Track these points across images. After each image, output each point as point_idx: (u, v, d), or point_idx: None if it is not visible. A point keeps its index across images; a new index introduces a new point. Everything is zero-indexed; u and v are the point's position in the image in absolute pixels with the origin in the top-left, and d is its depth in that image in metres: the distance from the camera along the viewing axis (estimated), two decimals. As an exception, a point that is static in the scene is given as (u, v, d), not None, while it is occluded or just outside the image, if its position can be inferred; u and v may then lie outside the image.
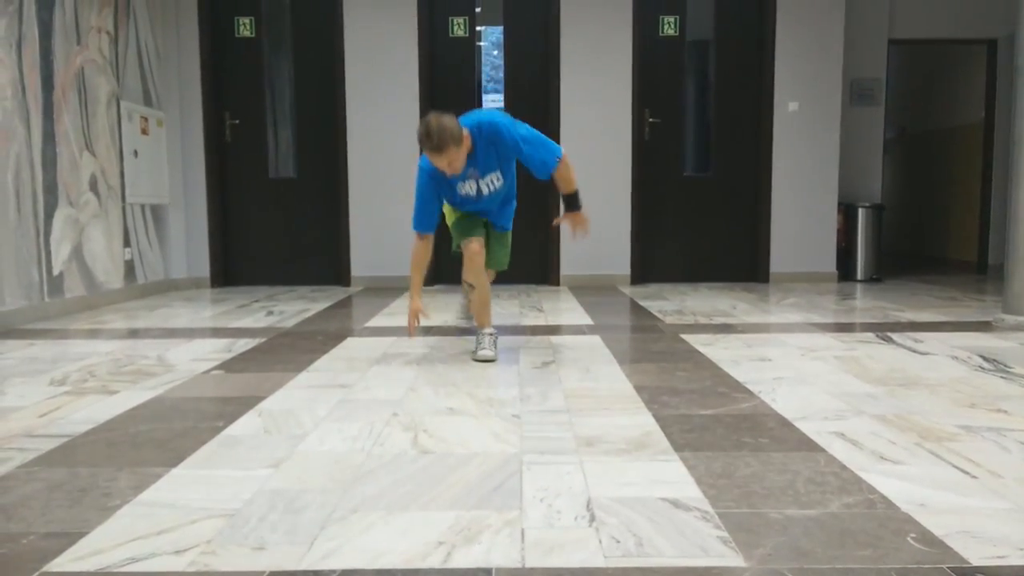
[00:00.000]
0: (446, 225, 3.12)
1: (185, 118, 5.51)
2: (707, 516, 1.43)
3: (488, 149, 2.78)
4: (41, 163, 3.99)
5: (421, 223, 2.88)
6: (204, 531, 1.39)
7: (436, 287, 5.56)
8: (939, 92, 7.57)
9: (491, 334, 2.99)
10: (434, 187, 2.82)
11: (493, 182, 2.87)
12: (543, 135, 2.87)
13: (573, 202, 2.91)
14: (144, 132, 5.11)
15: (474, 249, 2.95)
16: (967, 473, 1.65)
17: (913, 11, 6.02)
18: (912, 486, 1.57)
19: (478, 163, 2.79)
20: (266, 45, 5.65)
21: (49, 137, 4.06)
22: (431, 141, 2.58)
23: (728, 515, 1.43)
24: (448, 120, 2.60)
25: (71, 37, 4.28)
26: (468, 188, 2.86)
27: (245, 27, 5.58)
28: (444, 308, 4.42)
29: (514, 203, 3.14)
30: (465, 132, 2.66)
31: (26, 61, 3.88)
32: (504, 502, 1.50)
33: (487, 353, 2.90)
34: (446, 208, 3.06)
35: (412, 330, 2.98)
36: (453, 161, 2.64)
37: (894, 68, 7.07)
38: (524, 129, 2.82)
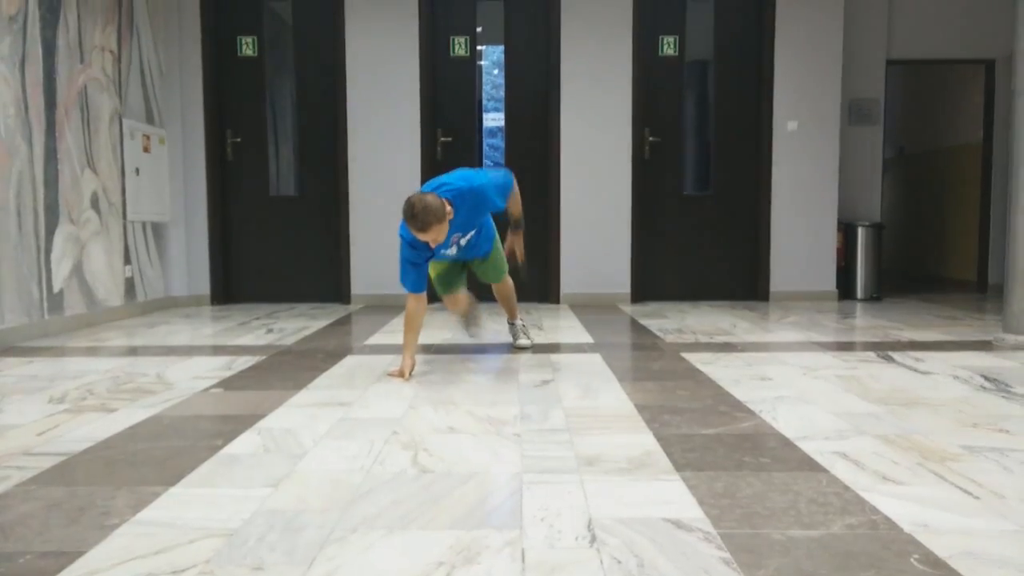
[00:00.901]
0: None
1: (187, 136, 5.53)
2: (709, 537, 1.42)
3: (470, 213, 2.95)
4: (43, 181, 4.01)
5: (412, 285, 2.98)
6: (202, 551, 1.38)
7: (435, 305, 5.54)
8: (937, 112, 7.61)
9: (522, 324, 3.56)
10: (418, 254, 2.93)
11: (472, 236, 3.09)
12: (496, 176, 3.05)
13: (518, 224, 3.28)
14: (146, 150, 5.13)
15: (456, 301, 3.35)
16: (970, 494, 1.64)
17: (911, 32, 6.06)
18: (915, 507, 1.56)
19: (459, 227, 2.96)
20: (268, 64, 5.68)
21: (51, 155, 4.08)
22: (416, 222, 2.71)
23: (730, 536, 1.42)
24: (431, 199, 2.72)
25: (75, 56, 4.31)
26: (451, 250, 3.05)
27: (247, 46, 5.62)
28: (443, 326, 4.42)
29: (490, 230, 3.27)
30: (448, 208, 2.77)
31: (29, 79, 3.90)
32: (504, 522, 1.50)
33: (524, 342, 3.50)
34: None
35: (395, 373, 3.00)
36: (438, 236, 2.78)
37: (892, 88, 7.11)
38: (488, 179, 2.99)
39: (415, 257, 2.94)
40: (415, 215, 2.70)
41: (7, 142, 3.72)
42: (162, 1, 5.33)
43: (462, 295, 3.38)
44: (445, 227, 2.77)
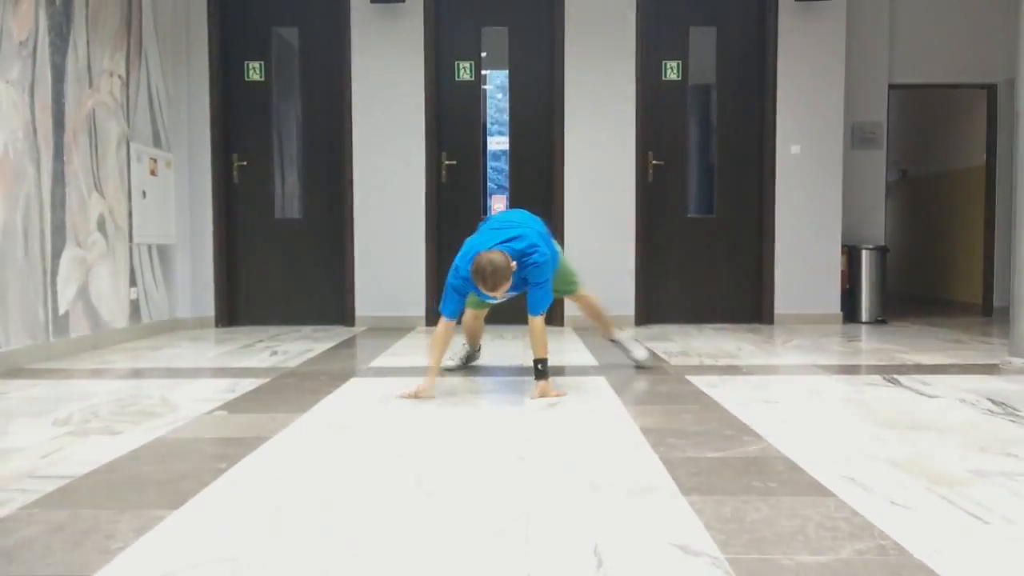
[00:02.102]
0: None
1: (194, 160, 5.57)
2: (717, 562, 1.40)
3: (521, 278, 3.00)
4: (50, 203, 4.03)
5: (451, 312, 3.05)
6: (206, 575, 1.37)
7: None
8: (940, 136, 7.63)
9: (626, 337, 3.66)
10: (465, 285, 2.99)
11: (510, 294, 3.09)
12: (550, 285, 3.07)
13: (540, 371, 3.02)
14: (153, 173, 5.16)
15: (478, 318, 3.41)
16: (979, 519, 1.62)
17: (913, 56, 6.10)
18: (925, 532, 1.55)
19: (512, 285, 3.01)
20: (275, 88, 5.73)
21: (59, 178, 4.10)
22: (487, 285, 2.84)
23: (738, 561, 1.41)
24: (498, 260, 2.83)
25: (83, 80, 4.35)
26: (498, 299, 3.10)
27: (254, 71, 5.67)
28: (450, 348, 4.40)
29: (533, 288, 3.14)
30: (512, 264, 2.88)
31: (38, 103, 3.94)
32: (509, 546, 1.48)
33: (640, 355, 3.59)
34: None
35: (409, 395, 2.99)
36: (501, 291, 2.90)
37: (895, 112, 7.14)
38: (545, 274, 3.03)
39: (462, 287, 3.00)
40: (485, 279, 2.82)
41: (15, 165, 3.75)
42: (170, 26, 5.39)
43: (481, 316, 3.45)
44: (509, 283, 2.89)
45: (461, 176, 5.72)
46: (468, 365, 3.68)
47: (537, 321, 3.02)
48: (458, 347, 3.70)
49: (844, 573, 1.36)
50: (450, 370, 3.59)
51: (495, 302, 3.17)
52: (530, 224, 3.15)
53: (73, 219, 4.23)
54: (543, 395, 2.96)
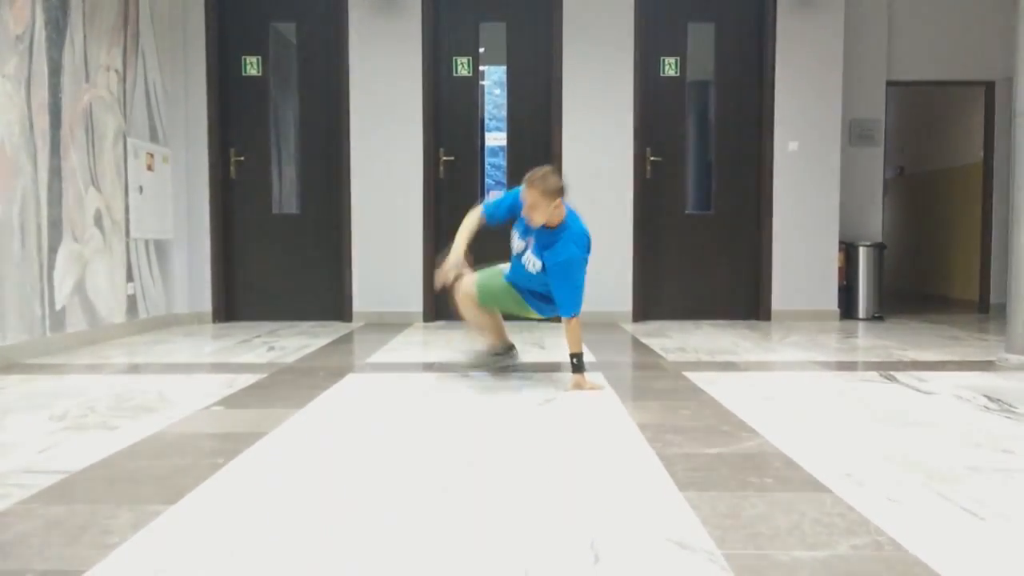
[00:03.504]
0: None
1: (191, 155, 5.56)
2: (713, 558, 1.41)
3: (549, 248, 2.99)
4: (47, 198, 4.02)
5: (490, 210, 3.15)
6: (203, 571, 1.37)
7: (438, 323, 5.55)
8: (937, 133, 7.64)
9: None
10: (510, 209, 3.06)
11: (535, 264, 3.06)
12: (581, 290, 3.08)
13: (576, 365, 3.06)
14: (150, 168, 5.15)
15: (483, 317, 3.24)
16: (975, 515, 1.63)
17: (911, 53, 6.10)
18: (920, 527, 1.55)
19: (538, 242, 3.02)
20: (272, 83, 5.72)
21: (55, 173, 4.09)
22: (531, 173, 2.92)
23: (735, 557, 1.41)
24: (552, 178, 2.90)
25: (80, 75, 4.34)
26: (526, 252, 3.07)
27: (252, 66, 5.66)
28: (445, 344, 4.41)
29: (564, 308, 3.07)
30: (559, 202, 2.91)
31: (35, 98, 3.93)
32: (507, 542, 1.49)
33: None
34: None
35: (443, 278, 3.02)
36: (531, 206, 2.91)
37: (892, 109, 7.15)
38: (576, 275, 3.04)
39: (511, 204, 3.07)
40: (535, 169, 2.93)
41: (12, 160, 3.74)
42: (167, 21, 5.38)
43: (494, 317, 3.35)
44: (543, 209, 2.91)
45: (459, 172, 5.71)
46: (510, 362, 3.48)
47: (571, 322, 3.03)
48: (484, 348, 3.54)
49: (840, 568, 1.36)
50: (499, 355, 3.44)
51: (520, 260, 3.10)
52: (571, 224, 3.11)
53: (70, 214, 4.22)
54: (577, 387, 3.00)
